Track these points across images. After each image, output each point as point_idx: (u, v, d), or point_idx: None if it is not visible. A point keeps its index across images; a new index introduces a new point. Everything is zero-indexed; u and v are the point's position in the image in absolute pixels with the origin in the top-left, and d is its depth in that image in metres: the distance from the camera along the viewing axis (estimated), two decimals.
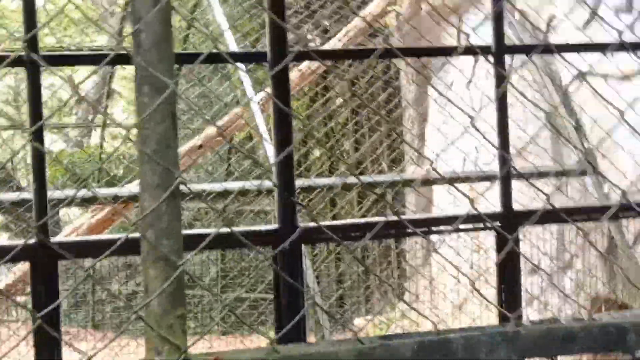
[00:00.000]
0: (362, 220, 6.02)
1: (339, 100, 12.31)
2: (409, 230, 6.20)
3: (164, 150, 2.22)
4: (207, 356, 2.23)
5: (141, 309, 2.21)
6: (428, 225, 6.05)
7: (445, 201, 8.47)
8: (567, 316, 2.53)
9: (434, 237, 9.37)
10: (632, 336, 2.44)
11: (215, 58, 6.21)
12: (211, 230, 6.09)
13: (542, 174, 7.13)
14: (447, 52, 6.71)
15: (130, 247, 5.29)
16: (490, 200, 6.71)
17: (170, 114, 2.22)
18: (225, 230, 5.69)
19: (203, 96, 13.17)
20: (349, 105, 11.72)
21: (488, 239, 7.66)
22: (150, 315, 2.21)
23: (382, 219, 6.14)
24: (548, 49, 6.51)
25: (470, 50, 6.10)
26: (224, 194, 7.89)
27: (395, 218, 6.14)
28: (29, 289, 8.51)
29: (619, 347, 2.48)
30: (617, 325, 2.44)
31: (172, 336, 2.19)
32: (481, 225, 5.96)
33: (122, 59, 5.28)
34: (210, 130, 8.98)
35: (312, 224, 5.97)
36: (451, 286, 8.02)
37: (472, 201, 2.64)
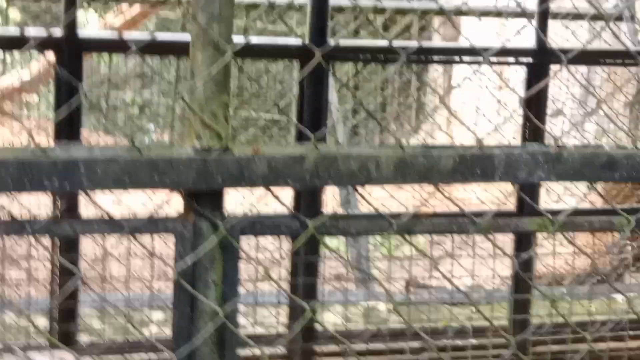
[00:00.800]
0: (393, 43, 5.93)
1: None
2: (438, 58, 6.12)
3: None
4: (247, 148, 2.20)
5: (184, 94, 2.18)
6: (457, 55, 5.99)
7: (474, 36, 8.34)
8: (610, 143, 2.49)
9: (456, 73, 9.29)
10: None
11: None
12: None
13: (578, 16, 6.99)
14: None
15: (156, 48, 5.23)
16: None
17: None
18: (254, 40, 5.64)
19: None
20: None
21: (514, 76, 7.55)
22: (193, 100, 2.17)
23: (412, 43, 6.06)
24: None
25: None
26: (249, 7, 7.76)
27: (423, 44, 6.06)
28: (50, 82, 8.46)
29: None
30: None
31: (214, 123, 2.16)
32: (511, 59, 5.89)
33: None
34: None
35: (342, 42, 5.91)
36: (472, 121, 7.97)
37: None
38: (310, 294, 5.24)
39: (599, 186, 7.16)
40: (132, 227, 2.12)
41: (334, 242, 7.53)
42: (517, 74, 6.43)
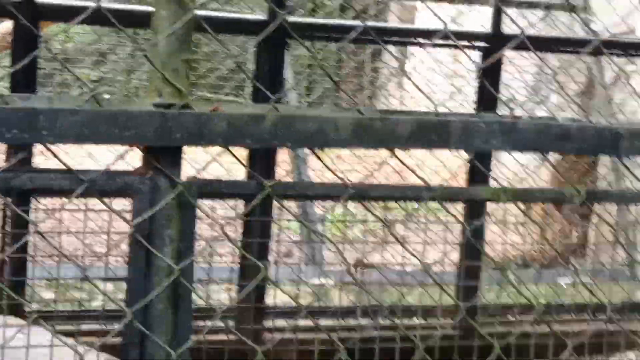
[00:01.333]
0: (348, 22, 5.98)
1: None
2: (391, 39, 6.12)
3: None
4: (207, 106, 2.21)
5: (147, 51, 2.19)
6: (409, 36, 6.03)
7: (429, 20, 8.39)
8: (564, 117, 2.53)
9: (411, 58, 9.34)
10: (625, 142, 2.46)
11: None
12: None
13: (531, 5, 7.07)
14: None
15: (120, 18, 5.21)
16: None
17: None
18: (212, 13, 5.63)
19: None
20: None
21: (468, 64, 7.61)
22: (156, 56, 2.18)
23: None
24: None
25: None
26: None
27: (379, 24, 6.08)
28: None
29: (610, 151, 2.51)
30: (612, 130, 2.45)
31: (175, 80, 2.17)
32: (466, 43, 5.94)
33: None
34: None
35: (301, 19, 5.94)
36: (425, 106, 8.01)
37: None
38: (262, 256, 5.27)
39: (548, 171, 7.26)
40: (91, 180, 2.12)
41: (285, 222, 7.55)
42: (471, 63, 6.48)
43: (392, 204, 6.72)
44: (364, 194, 2.42)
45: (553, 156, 6.69)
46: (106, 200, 2.22)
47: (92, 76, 13.87)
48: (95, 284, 2.68)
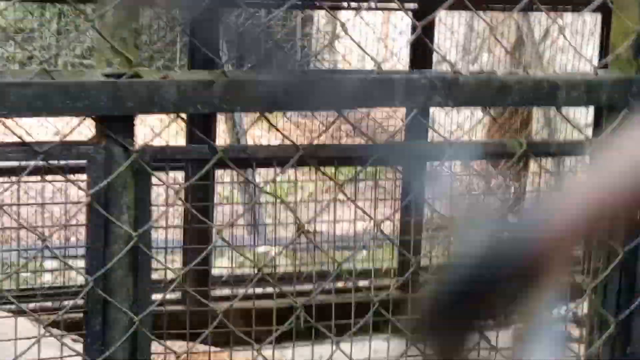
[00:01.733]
0: None
1: None
2: (323, 3, 6.14)
3: None
4: (157, 74, 2.25)
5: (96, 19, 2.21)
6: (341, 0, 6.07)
7: None
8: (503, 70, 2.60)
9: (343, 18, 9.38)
10: (563, 93, 2.54)
11: None
12: None
13: None
14: None
15: None
16: None
17: None
18: None
19: None
20: None
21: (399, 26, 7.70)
22: (103, 26, 2.21)
23: None
24: None
25: None
26: None
27: None
28: None
29: (549, 103, 2.59)
30: (551, 82, 2.53)
31: (124, 49, 2.20)
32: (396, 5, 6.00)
33: None
34: None
35: None
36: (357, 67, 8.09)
37: None
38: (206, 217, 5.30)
39: (484, 129, 7.38)
40: (46, 151, 2.15)
41: (226, 191, 7.60)
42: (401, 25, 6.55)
43: (331, 171, 6.77)
44: (313, 154, 2.48)
45: (489, 113, 6.80)
46: (59, 177, 2.25)
47: (20, 55, 13.70)
48: (62, 260, 2.71)
